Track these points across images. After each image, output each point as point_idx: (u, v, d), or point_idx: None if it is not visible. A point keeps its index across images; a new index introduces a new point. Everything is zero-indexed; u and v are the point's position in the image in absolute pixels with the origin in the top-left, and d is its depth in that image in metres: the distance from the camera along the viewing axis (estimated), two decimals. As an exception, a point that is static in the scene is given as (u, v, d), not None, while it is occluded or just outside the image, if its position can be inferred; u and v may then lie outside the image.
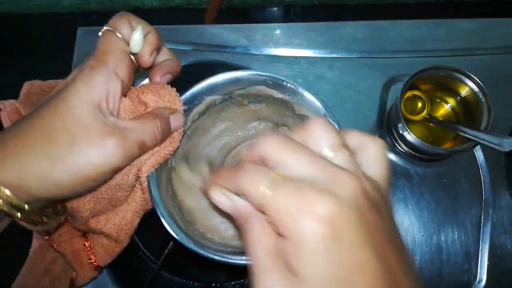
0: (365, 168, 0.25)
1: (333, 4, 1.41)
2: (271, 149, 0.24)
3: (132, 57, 0.35)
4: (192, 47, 0.63)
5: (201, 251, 0.36)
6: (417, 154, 0.56)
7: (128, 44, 0.34)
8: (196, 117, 0.44)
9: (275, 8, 1.45)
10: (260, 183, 0.23)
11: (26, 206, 0.30)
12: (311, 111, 0.42)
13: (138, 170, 0.36)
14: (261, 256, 0.23)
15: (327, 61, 0.63)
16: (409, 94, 0.55)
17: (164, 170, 0.40)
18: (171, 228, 0.37)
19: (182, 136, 0.39)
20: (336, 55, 0.63)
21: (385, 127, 0.59)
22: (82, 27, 0.65)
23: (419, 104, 0.56)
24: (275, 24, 0.66)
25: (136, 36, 0.34)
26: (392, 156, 0.59)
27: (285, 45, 0.64)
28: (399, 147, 0.58)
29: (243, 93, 0.44)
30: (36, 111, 0.31)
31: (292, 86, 0.42)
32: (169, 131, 0.37)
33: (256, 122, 0.48)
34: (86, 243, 0.43)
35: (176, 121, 0.38)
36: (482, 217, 0.55)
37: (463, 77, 0.52)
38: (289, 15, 1.44)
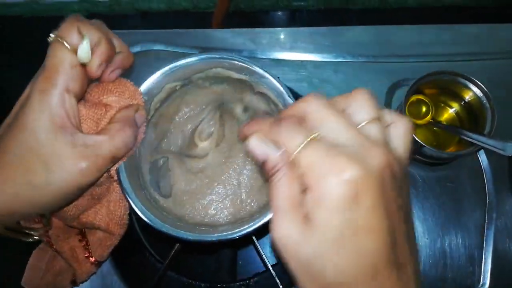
0: (394, 145, 0.27)
1: (338, 9, 1.42)
2: (315, 109, 0.26)
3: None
4: (198, 51, 0.64)
5: (174, 233, 0.38)
6: (421, 158, 0.56)
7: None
8: (158, 104, 0.44)
9: (280, 13, 1.46)
10: (298, 138, 0.25)
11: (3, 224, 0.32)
12: (269, 89, 0.43)
13: None
14: (282, 202, 0.26)
15: (332, 65, 0.64)
16: (413, 98, 0.56)
17: (132, 160, 0.41)
18: (144, 216, 0.38)
19: (147, 125, 0.40)
20: (342, 59, 0.64)
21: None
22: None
23: (424, 109, 0.56)
24: (281, 28, 0.67)
25: (82, 49, 0.32)
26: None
27: (291, 49, 0.65)
28: (403, 151, 0.58)
29: (202, 76, 0.44)
30: (3, 141, 0.32)
31: (247, 66, 0.42)
32: (137, 131, 0.37)
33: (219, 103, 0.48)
34: (82, 240, 0.44)
35: (140, 117, 0.38)
36: (486, 221, 0.56)
37: (467, 82, 0.52)
38: (295, 19, 1.45)
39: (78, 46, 0.32)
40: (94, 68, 0.34)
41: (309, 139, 0.25)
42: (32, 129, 0.31)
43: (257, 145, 0.27)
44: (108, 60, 0.35)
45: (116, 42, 0.37)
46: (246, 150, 0.29)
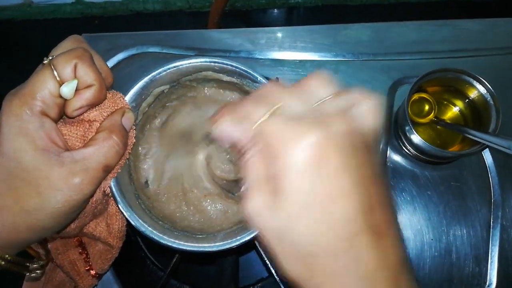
0: (358, 120, 0.27)
1: (336, 5, 1.41)
2: (275, 90, 0.27)
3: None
4: (195, 52, 0.63)
5: (172, 245, 0.37)
6: (424, 157, 0.55)
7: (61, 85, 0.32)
8: (146, 109, 0.43)
9: (277, 10, 1.45)
10: (260, 111, 0.26)
11: (8, 257, 0.32)
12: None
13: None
14: (252, 177, 0.26)
15: (332, 64, 0.62)
16: (416, 96, 0.55)
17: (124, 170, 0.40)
18: (141, 227, 0.37)
19: (135, 129, 0.39)
20: (341, 58, 0.63)
21: (392, 130, 0.58)
22: (86, 34, 0.65)
23: (426, 107, 0.55)
24: (280, 27, 0.65)
25: (67, 85, 0.32)
26: (399, 159, 0.58)
27: (290, 49, 0.63)
28: (406, 150, 0.57)
29: (191, 79, 0.44)
30: None
31: (238, 70, 0.41)
32: (127, 135, 0.36)
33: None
34: (83, 252, 0.44)
35: (128, 121, 0.37)
36: (491, 220, 0.55)
37: (471, 80, 0.51)
38: (292, 17, 1.44)
39: (66, 81, 0.31)
40: (71, 109, 0.33)
41: (271, 111, 0.26)
42: (13, 156, 0.30)
43: (227, 126, 0.28)
44: (91, 106, 0.34)
45: (97, 63, 0.35)
46: (214, 138, 0.29)
